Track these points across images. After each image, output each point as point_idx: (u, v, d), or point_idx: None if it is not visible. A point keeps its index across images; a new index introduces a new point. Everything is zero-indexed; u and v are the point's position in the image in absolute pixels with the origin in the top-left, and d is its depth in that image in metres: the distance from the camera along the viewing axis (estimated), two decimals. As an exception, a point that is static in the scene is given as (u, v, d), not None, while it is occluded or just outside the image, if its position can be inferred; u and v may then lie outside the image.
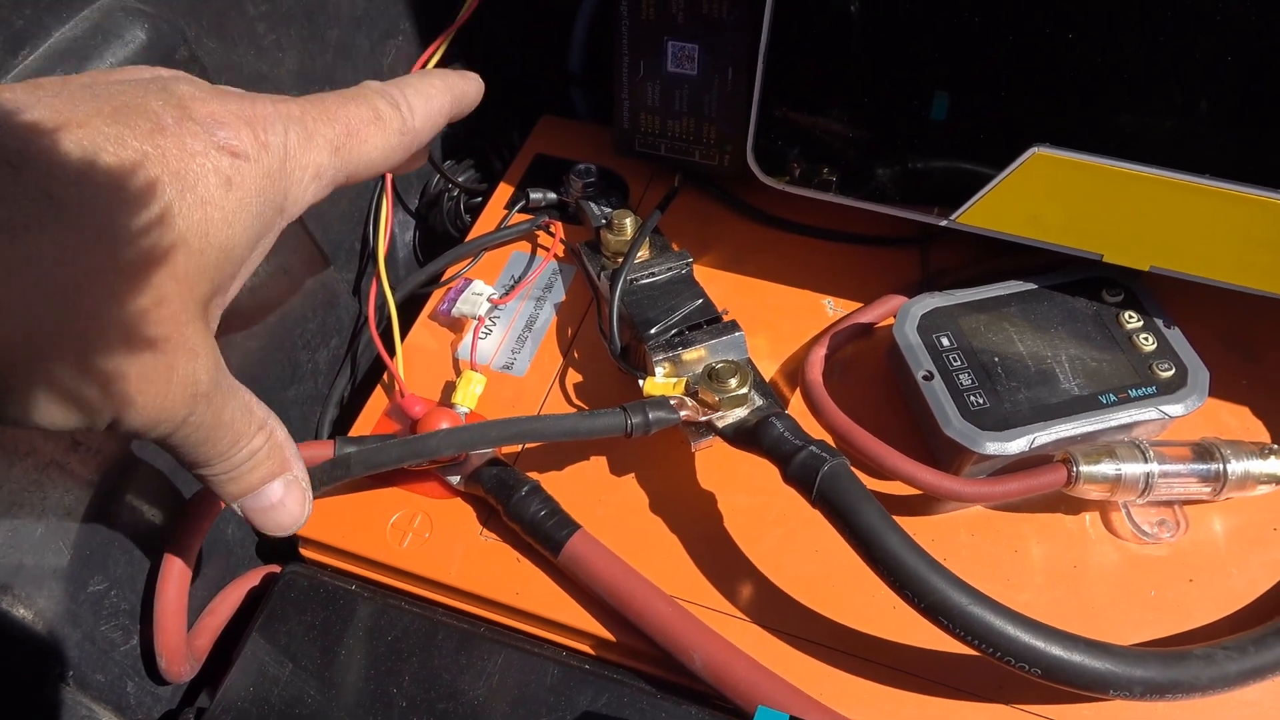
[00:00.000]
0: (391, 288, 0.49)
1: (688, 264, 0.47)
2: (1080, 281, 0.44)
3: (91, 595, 0.38)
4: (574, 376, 0.48)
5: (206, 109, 0.27)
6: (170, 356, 0.25)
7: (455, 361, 0.49)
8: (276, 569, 0.45)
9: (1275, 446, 0.39)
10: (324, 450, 0.43)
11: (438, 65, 0.54)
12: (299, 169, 0.29)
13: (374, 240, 0.52)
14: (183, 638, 0.40)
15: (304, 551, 0.44)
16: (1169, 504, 0.41)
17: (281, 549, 0.46)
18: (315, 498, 0.42)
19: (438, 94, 0.34)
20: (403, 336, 0.48)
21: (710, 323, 0.43)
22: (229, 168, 0.26)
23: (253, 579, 0.45)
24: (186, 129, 0.26)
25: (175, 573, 0.40)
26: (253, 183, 0.27)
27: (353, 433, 0.47)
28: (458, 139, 0.62)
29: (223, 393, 0.28)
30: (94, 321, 0.24)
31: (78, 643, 0.37)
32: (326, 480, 0.41)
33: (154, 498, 0.41)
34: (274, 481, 0.31)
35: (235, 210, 0.26)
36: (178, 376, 0.26)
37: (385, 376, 0.48)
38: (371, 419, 0.47)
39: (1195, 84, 0.36)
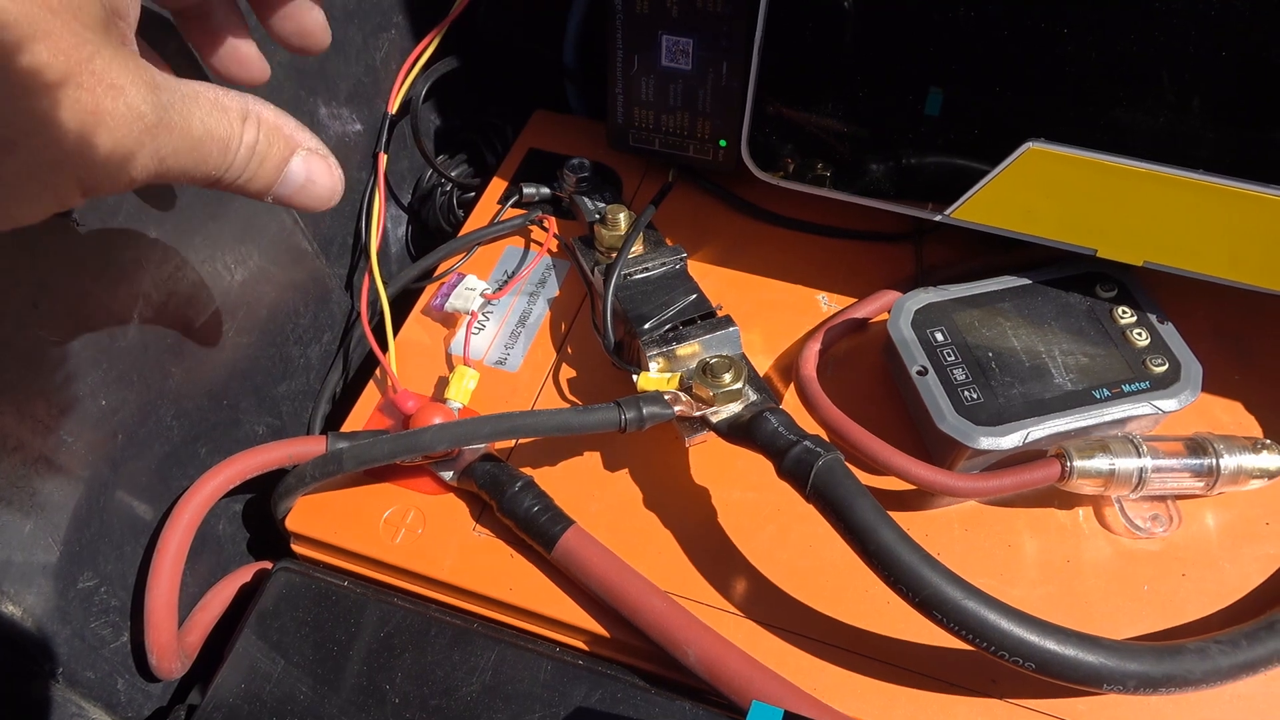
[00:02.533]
0: (384, 283, 0.49)
1: (682, 259, 0.47)
2: (1074, 277, 0.44)
3: (81, 592, 0.38)
4: (568, 372, 0.48)
5: None
6: (88, 98, 0.23)
7: (448, 357, 0.49)
8: (268, 565, 0.45)
9: (1268, 441, 0.39)
10: (316, 446, 0.43)
11: (431, 59, 0.54)
12: None
13: (366, 235, 0.52)
14: (173, 634, 0.40)
15: (296, 548, 0.44)
16: (1162, 499, 0.41)
17: (273, 545, 0.46)
18: (307, 493, 0.43)
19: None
20: (395, 332, 0.48)
21: (704, 318, 0.43)
22: None
23: (244, 575, 0.45)
24: None
25: (166, 569, 0.39)
26: None
27: (345, 428, 0.46)
28: (451, 134, 0.61)
29: (179, 109, 0.25)
30: None
31: (67, 640, 0.37)
32: (319, 476, 0.41)
33: (144, 493, 0.40)
34: (291, 163, 0.30)
35: None
36: (111, 120, 0.23)
37: (378, 372, 0.48)
38: (364, 414, 0.47)
39: (1189, 79, 0.36)
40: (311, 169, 0.30)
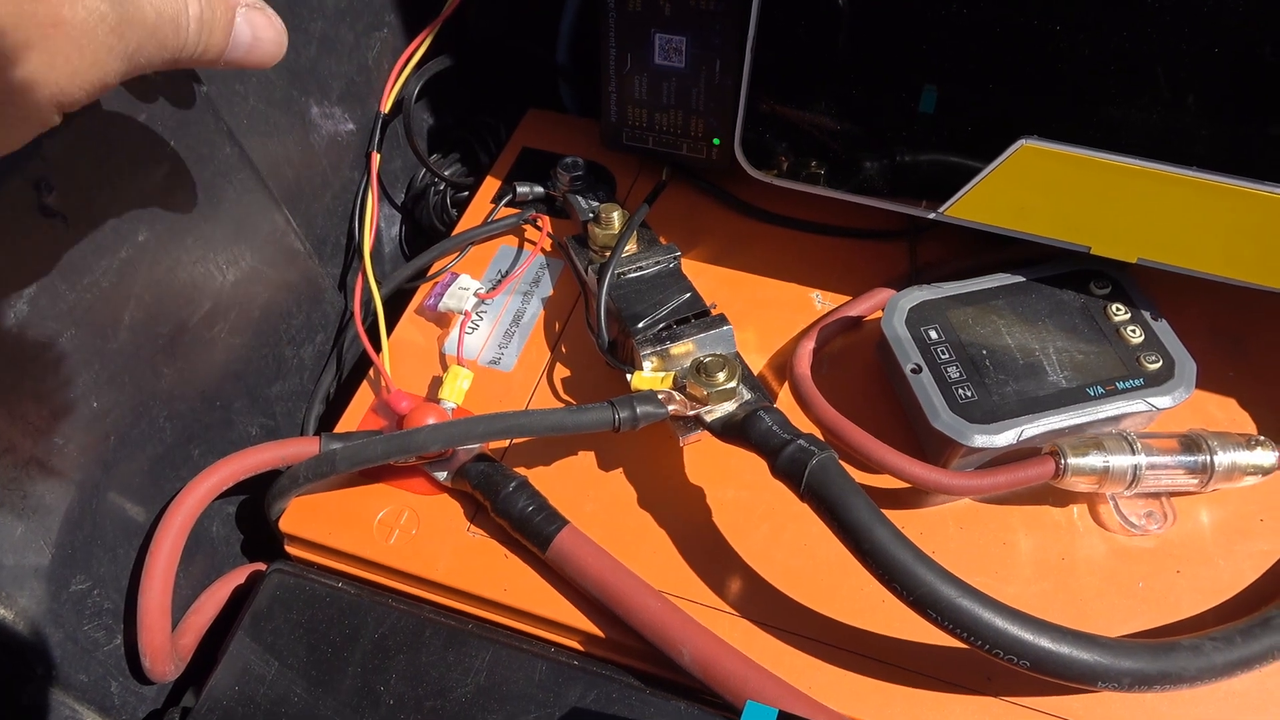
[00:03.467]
0: (377, 283, 0.48)
1: (675, 258, 0.47)
2: (1068, 274, 0.44)
3: (74, 595, 0.37)
4: (562, 371, 0.47)
5: None
6: (45, 10, 0.23)
7: (442, 357, 0.49)
8: (262, 567, 0.45)
9: (1261, 438, 0.39)
10: (309, 446, 0.43)
11: (423, 58, 0.53)
12: None
13: (359, 235, 0.52)
14: (167, 637, 0.40)
15: (290, 549, 0.44)
16: (1156, 496, 0.41)
17: (267, 547, 0.46)
18: (300, 494, 0.42)
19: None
20: (389, 332, 0.48)
21: (698, 317, 0.43)
22: None
23: (238, 577, 0.45)
24: None
25: (159, 571, 0.39)
26: None
27: (338, 429, 0.46)
28: (444, 133, 0.61)
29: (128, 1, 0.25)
30: None
31: (60, 643, 0.37)
32: (312, 477, 0.41)
33: (137, 495, 0.40)
34: (235, 25, 0.29)
35: None
36: (73, 28, 0.23)
37: (371, 372, 0.48)
38: (357, 415, 0.47)
39: (1183, 76, 0.36)
40: (255, 25, 0.30)
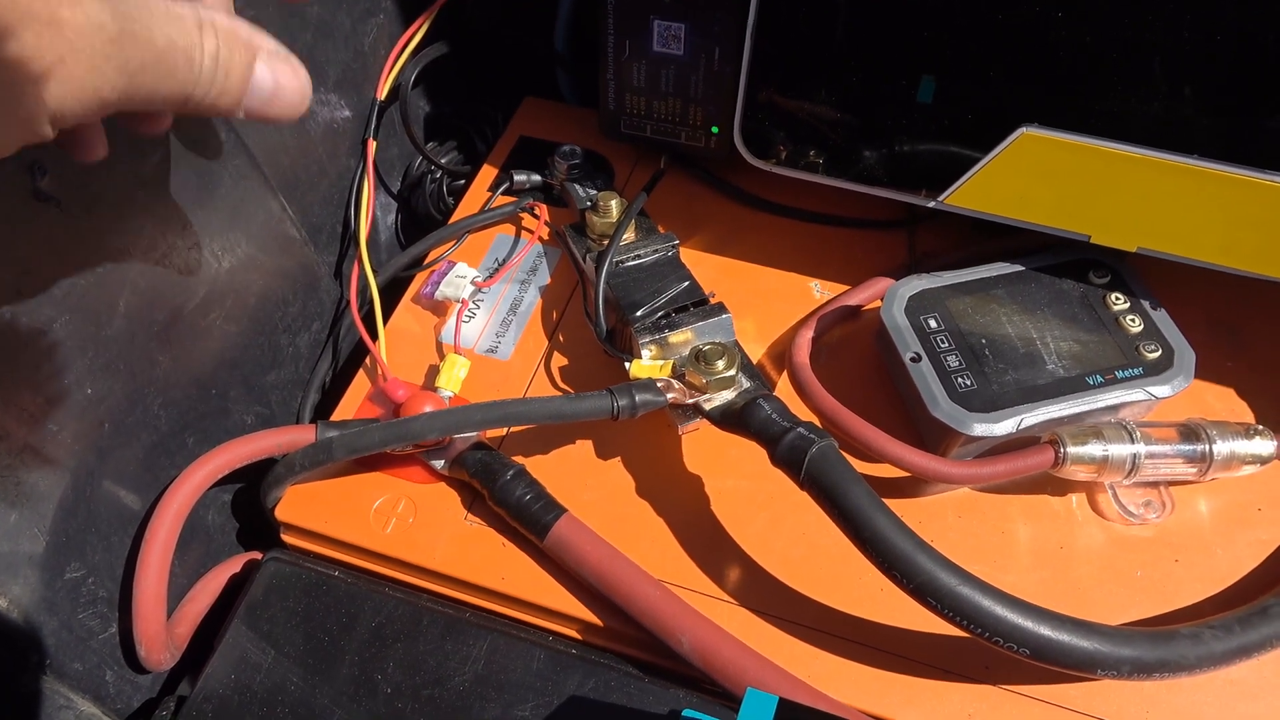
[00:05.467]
0: (374, 271, 0.48)
1: (674, 246, 0.47)
2: (1067, 263, 0.44)
3: (68, 583, 0.37)
4: (559, 360, 0.47)
5: None
6: (42, 7, 0.21)
7: (439, 345, 0.48)
8: (258, 555, 0.45)
9: (1260, 427, 0.39)
10: (306, 434, 0.43)
11: (420, 44, 0.53)
12: None
13: (355, 223, 0.52)
14: (162, 625, 0.39)
15: (286, 537, 0.44)
16: (1155, 485, 0.41)
17: (263, 535, 0.46)
18: (296, 482, 0.42)
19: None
20: (385, 320, 0.48)
21: (697, 305, 0.43)
22: None
23: (234, 565, 0.44)
24: None
25: (154, 559, 0.39)
26: None
27: (335, 417, 0.46)
28: (441, 120, 0.61)
29: (139, 19, 0.24)
30: None
31: (54, 631, 0.37)
32: (308, 465, 0.40)
33: (132, 483, 0.40)
34: (256, 70, 0.28)
35: None
36: (72, 31, 0.22)
37: (368, 361, 0.48)
38: (354, 403, 0.46)
39: (1183, 65, 0.36)
40: (278, 73, 0.28)
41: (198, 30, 0.26)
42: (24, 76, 0.22)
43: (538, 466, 0.42)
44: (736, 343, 0.42)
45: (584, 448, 0.44)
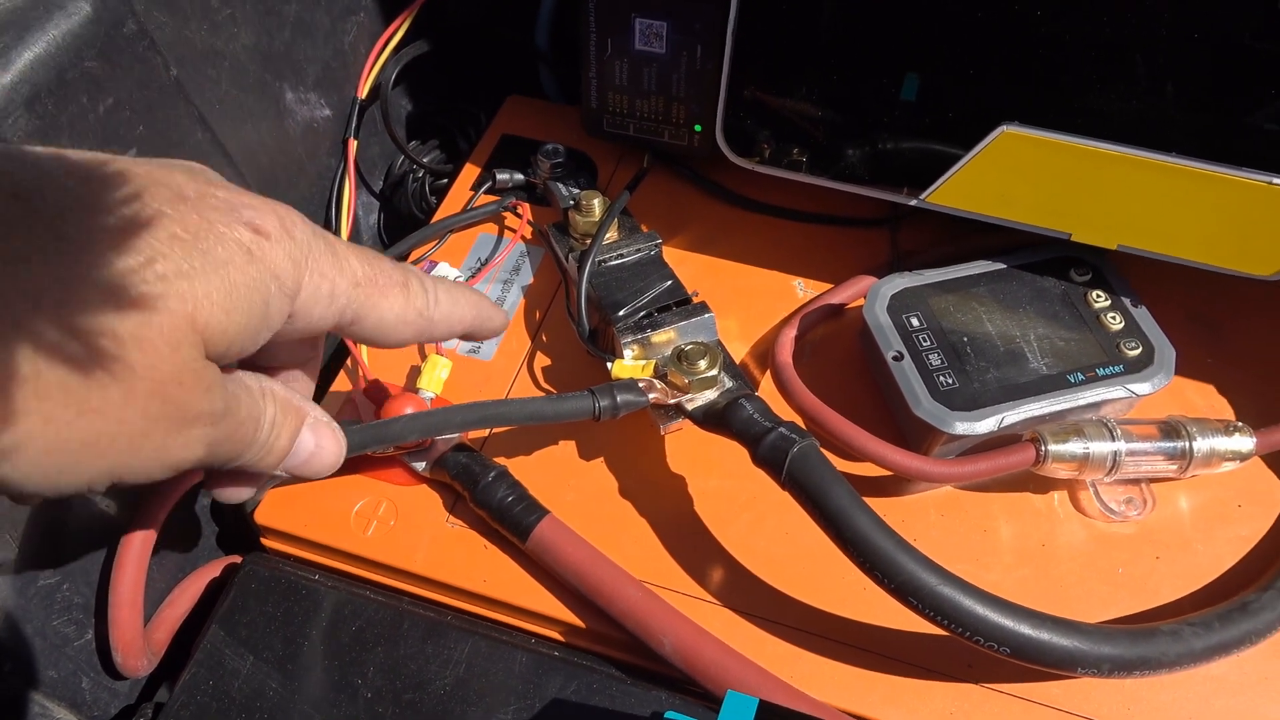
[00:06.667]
0: (354, 271, 0.48)
1: (657, 245, 0.46)
2: (1048, 261, 0.44)
3: (42, 589, 0.37)
4: (542, 360, 0.47)
5: (232, 193, 0.26)
6: (182, 396, 0.24)
7: (420, 346, 0.48)
8: (237, 559, 0.44)
9: (1239, 424, 0.39)
10: (285, 437, 0.42)
11: (401, 42, 0.53)
12: (319, 274, 0.27)
13: (336, 223, 0.51)
14: (139, 631, 0.39)
15: (266, 541, 0.43)
16: (1136, 482, 0.41)
17: (243, 539, 0.45)
18: (274, 486, 0.42)
19: (465, 304, 0.34)
20: (366, 320, 0.47)
21: (679, 304, 0.43)
22: (250, 241, 0.25)
23: (213, 570, 0.44)
24: (209, 201, 0.25)
25: (130, 565, 0.38)
26: (274, 261, 0.26)
27: (315, 419, 0.45)
28: (423, 119, 0.60)
29: (239, 395, 0.27)
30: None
31: (29, 638, 0.36)
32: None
33: (108, 487, 0.39)
34: (302, 434, 0.30)
35: (256, 280, 0.25)
36: (192, 416, 0.25)
37: (349, 362, 0.47)
38: (335, 405, 0.46)
39: (1162, 63, 0.36)
40: (318, 438, 0.31)
41: (261, 398, 0.28)
42: (125, 434, 0.23)
43: (520, 468, 0.42)
44: (719, 342, 0.42)
45: (566, 449, 0.44)
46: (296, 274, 0.27)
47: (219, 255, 0.24)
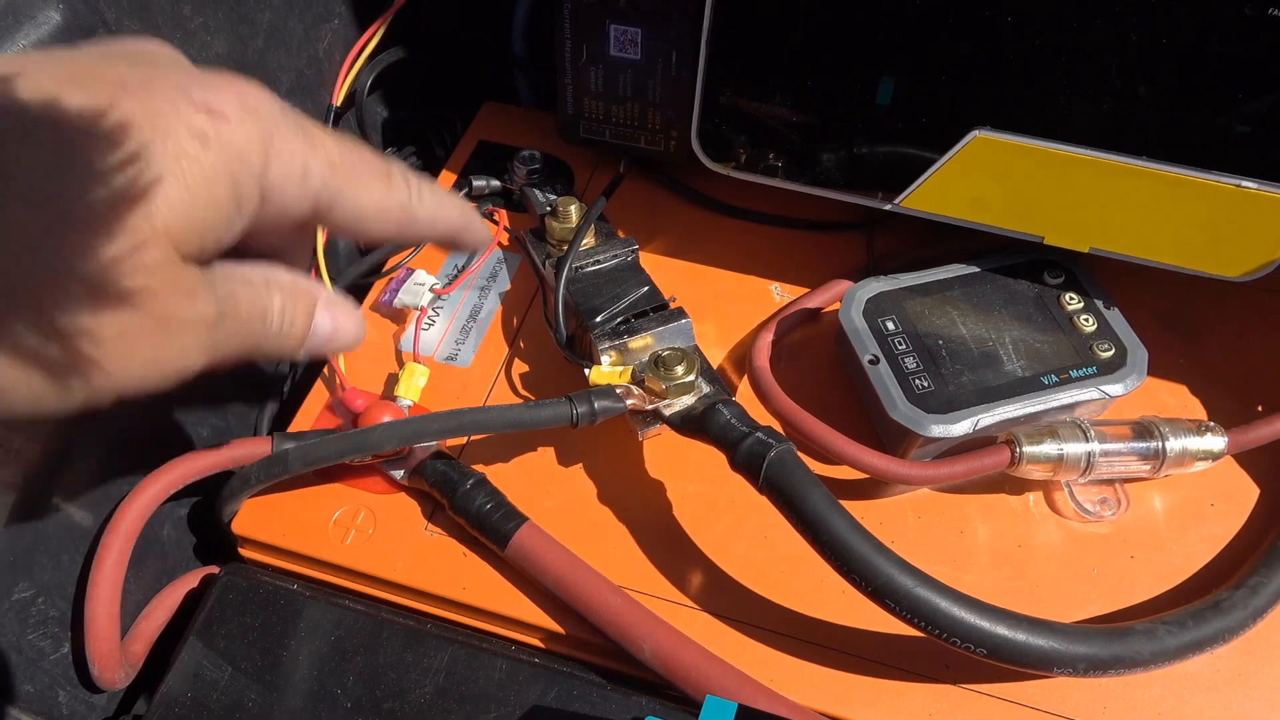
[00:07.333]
0: (332, 279, 0.48)
1: (634, 251, 0.46)
2: (1022, 264, 0.44)
3: (17, 603, 0.36)
4: (520, 367, 0.47)
5: (182, 72, 0.25)
6: (160, 307, 0.23)
7: (398, 353, 0.48)
8: (215, 570, 0.44)
9: (1211, 424, 0.40)
10: (261, 447, 0.42)
11: (376, 49, 0.52)
12: (288, 152, 0.26)
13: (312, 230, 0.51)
14: (116, 644, 0.39)
15: (244, 551, 0.43)
16: (1110, 482, 0.41)
17: (220, 549, 0.45)
18: (253, 495, 0.42)
19: (451, 205, 0.32)
20: (343, 329, 0.47)
21: (657, 310, 0.43)
22: (204, 125, 0.23)
23: (190, 581, 0.44)
24: (154, 88, 0.23)
25: (107, 577, 0.38)
26: (235, 142, 0.24)
27: (292, 428, 0.45)
28: (399, 125, 0.60)
29: (236, 294, 0.26)
30: (62, 276, 0.21)
31: (3, 653, 0.36)
32: (264, 478, 0.40)
33: (83, 499, 0.39)
34: (316, 317, 0.30)
35: (214, 167, 0.24)
36: (179, 325, 0.24)
37: (326, 370, 0.47)
38: (312, 414, 0.46)
39: (1132, 67, 0.37)
40: (335, 316, 0.30)
41: (266, 289, 0.28)
42: (109, 361, 0.23)
43: (498, 475, 0.42)
44: (696, 348, 0.42)
45: (545, 455, 0.44)
46: (263, 152, 0.25)
47: (168, 150, 0.23)
